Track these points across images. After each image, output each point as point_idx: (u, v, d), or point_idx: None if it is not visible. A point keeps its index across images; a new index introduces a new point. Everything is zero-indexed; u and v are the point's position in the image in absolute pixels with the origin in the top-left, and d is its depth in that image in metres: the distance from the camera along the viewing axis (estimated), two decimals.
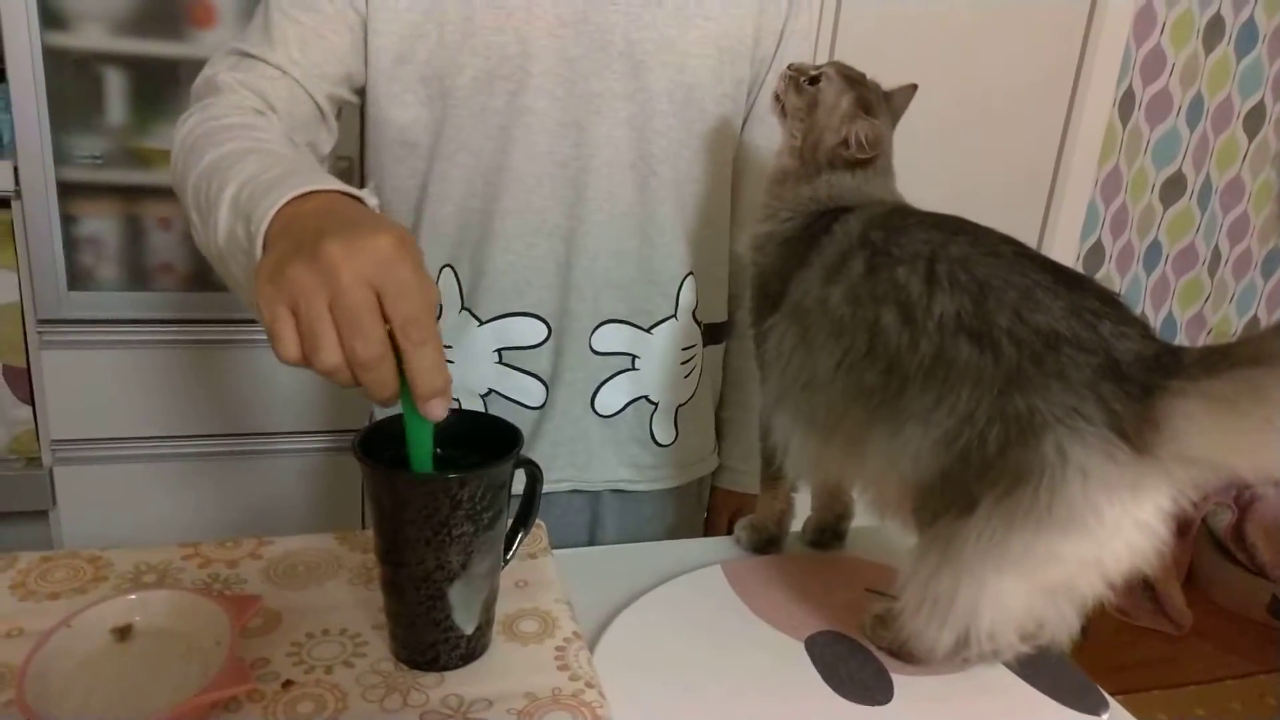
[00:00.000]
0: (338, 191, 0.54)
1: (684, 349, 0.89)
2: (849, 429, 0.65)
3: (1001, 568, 0.56)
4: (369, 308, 0.45)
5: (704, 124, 0.84)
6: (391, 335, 0.46)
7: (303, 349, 0.46)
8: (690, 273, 0.88)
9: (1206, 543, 2.47)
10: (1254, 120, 2.14)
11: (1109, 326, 0.54)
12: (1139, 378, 0.52)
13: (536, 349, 0.85)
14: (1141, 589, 2.40)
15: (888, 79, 0.79)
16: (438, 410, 0.48)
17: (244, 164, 0.59)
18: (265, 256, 0.49)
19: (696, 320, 0.90)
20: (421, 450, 0.53)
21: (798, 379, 0.67)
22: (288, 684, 0.55)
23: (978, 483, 0.56)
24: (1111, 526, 0.54)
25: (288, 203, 0.52)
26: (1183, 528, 2.45)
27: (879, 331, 0.61)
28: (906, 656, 0.66)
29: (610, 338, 0.86)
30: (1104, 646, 2.20)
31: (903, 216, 0.66)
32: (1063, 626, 0.60)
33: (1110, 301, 0.56)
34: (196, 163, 0.64)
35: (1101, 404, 0.52)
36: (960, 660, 0.63)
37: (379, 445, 0.56)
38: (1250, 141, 2.16)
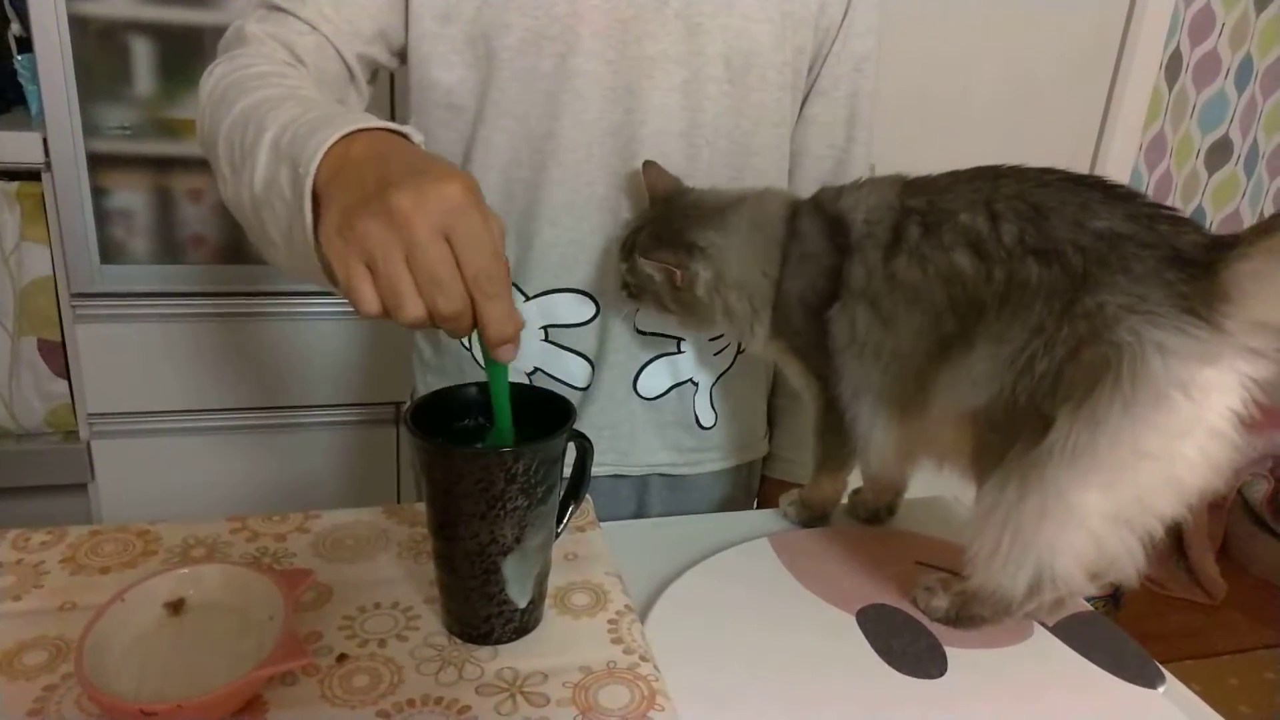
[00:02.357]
0: (384, 129, 0.53)
1: None
2: (924, 385, 0.64)
3: (1088, 478, 0.56)
4: (447, 263, 0.45)
5: (762, 93, 0.80)
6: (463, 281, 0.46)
7: (383, 304, 0.46)
8: None
9: (1241, 513, 2.44)
10: None
11: (1166, 226, 0.56)
12: (1201, 260, 0.54)
13: (584, 327, 0.83)
14: (1175, 559, 2.38)
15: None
16: (507, 354, 0.49)
17: (281, 109, 0.58)
18: (329, 209, 0.48)
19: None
20: (500, 386, 0.53)
21: (879, 359, 0.67)
22: (342, 658, 0.55)
23: (1049, 397, 0.57)
24: (1192, 407, 0.54)
25: (334, 144, 0.50)
26: (1218, 499, 2.42)
27: (955, 276, 0.62)
28: (966, 623, 0.65)
29: (655, 317, 0.84)
30: (1138, 616, 2.18)
31: (929, 181, 0.68)
32: (1130, 562, 0.60)
33: (1164, 207, 0.59)
34: (228, 111, 0.62)
35: (1168, 287, 0.54)
36: (1024, 615, 0.63)
37: (431, 418, 0.56)
38: None
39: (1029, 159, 0.64)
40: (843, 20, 0.83)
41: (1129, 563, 0.60)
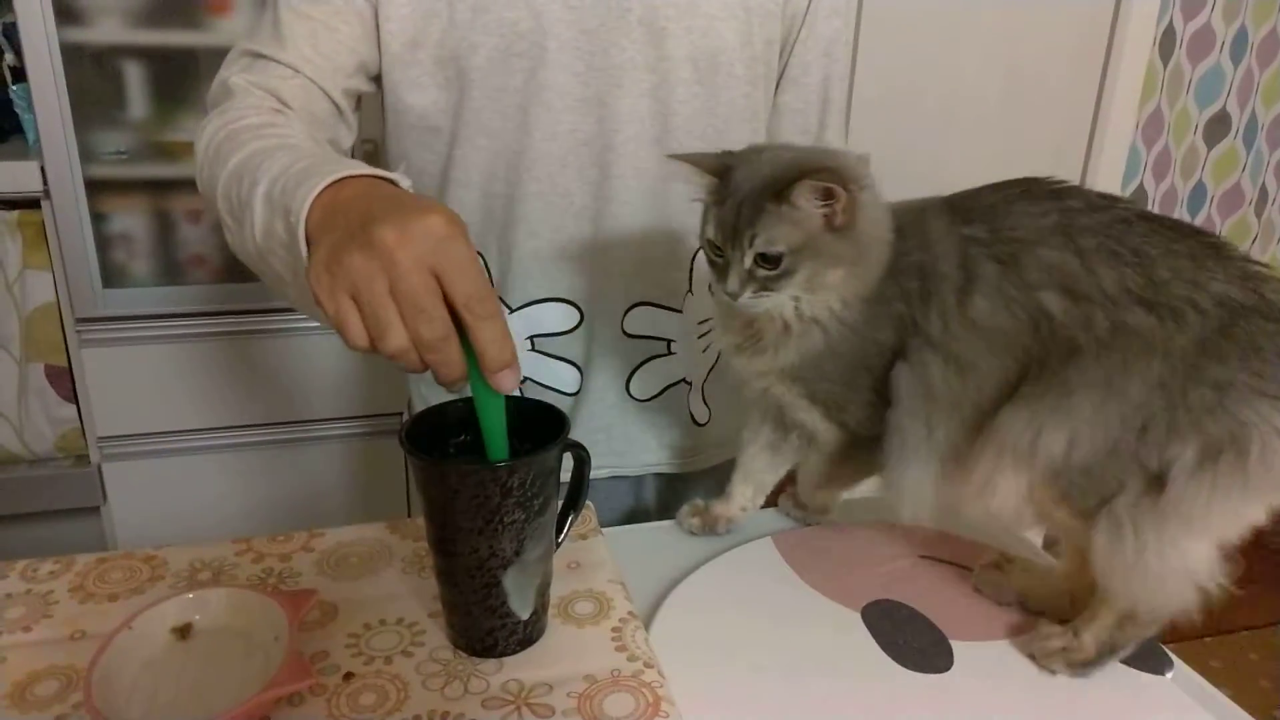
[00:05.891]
0: (372, 175, 0.54)
1: (699, 322, 0.87)
2: (988, 432, 0.61)
3: (1202, 533, 0.57)
4: (430, 289, 0.46)
5: (732, 91, 0.81)
6: (453, 313, 0.47)
7: (369, 335, 0.47)
8: None
9: None
10: None
11: (1273, 292, 0.56)
12: None
13: (569, 335, 0.84)
14: None
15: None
16: (508, 382, 0.49)
17: (272, 160, 0.59)
18: (317, 247, 0.49)
19: (712, 293, 0.88)
20: (494, 425, 0.53)
21: (957, 412, 0.62)
22: (349, 676, 0.55)
23: (1162, 453, 0.56)
24: None
25: (324, 190, 0.52)
26: None
27: (1042, 318, 0.59)
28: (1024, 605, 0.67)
29: (642, 320, 0.85)
30: None
31: (972, 203, 0.63)
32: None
33: (1256, 263, 0.57)
34: (223, 167, 0.63)
35: None
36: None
37: (425, 435, 0.56)
38: None
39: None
40: (809, 5, 0.83)
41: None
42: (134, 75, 1.49)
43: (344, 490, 1.74)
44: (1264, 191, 2.19)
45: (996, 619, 0.66)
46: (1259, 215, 2.21)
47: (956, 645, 0.63)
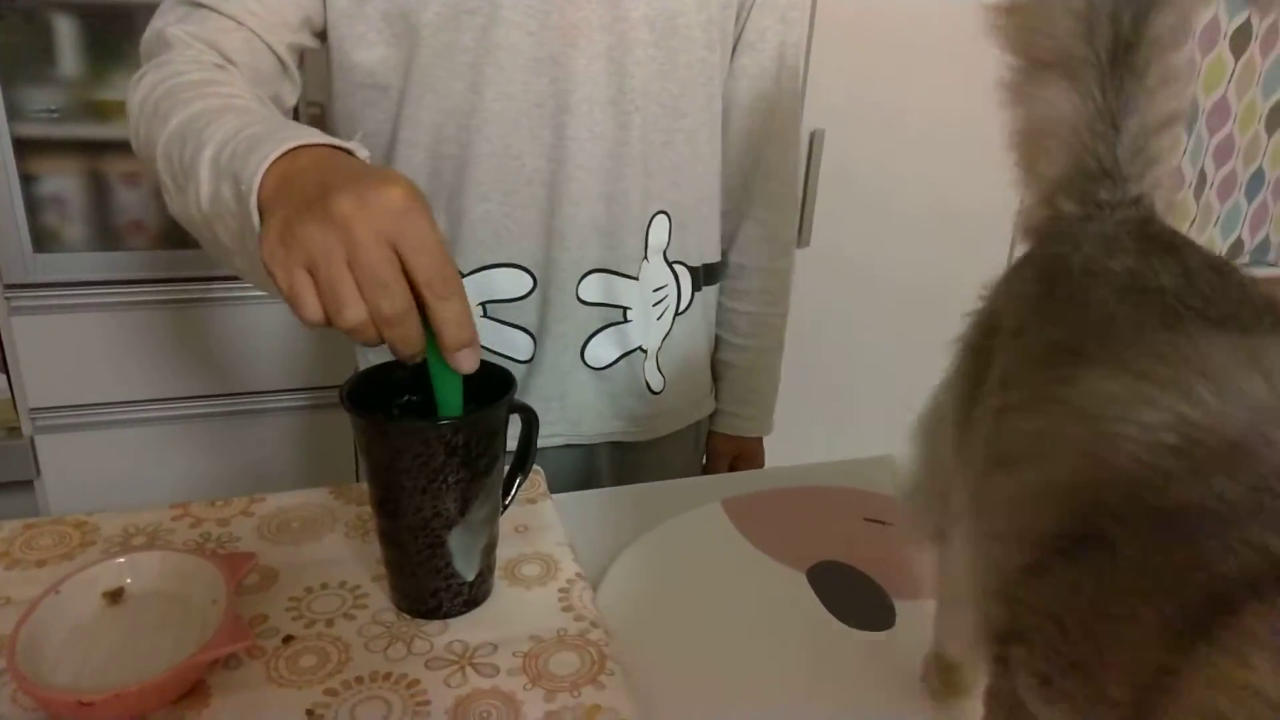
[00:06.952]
0: (329, 145, 0.51)
1: (654, 290, 0.87)
2: None
3: None
4: (389, 262, 0.44)
5: (689, 54, 0.80)
6: (413, 288, 0.45)
7: (324, 309, 0.45)
8: (661, 211, 0.85)
9: None
10: (1241, 39, 2.11)
11: None
12: None
13: (522, 301, 0.83)
14: None
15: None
16: (468, 362, 0.47)
17: (219, 123, 0.56)
18: (270, 217, 0.47)
19: (666, 260, 0.87)
20: (450, 403, 0.52)
21: None
22: (288, 639, 0.54)
23: None
24: None
25: (278, 159, 0.49)
26: None
27: None
28: None
29: (597, 287, 0.84)
30: None
31: None
32: None
33: None
34: (163, 126, 0.60)
35: None
36: None
37: (367, 395, 0.55)
38: (1236, 61, 2.13)
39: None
40: None
41: None
42: (65, 30, 1.43)
43: (289, 465, 1.71)
44: (1203, 175, 2.25)
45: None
46: (1198, 198, 2.28)
47: (899, 604, 0.64)
